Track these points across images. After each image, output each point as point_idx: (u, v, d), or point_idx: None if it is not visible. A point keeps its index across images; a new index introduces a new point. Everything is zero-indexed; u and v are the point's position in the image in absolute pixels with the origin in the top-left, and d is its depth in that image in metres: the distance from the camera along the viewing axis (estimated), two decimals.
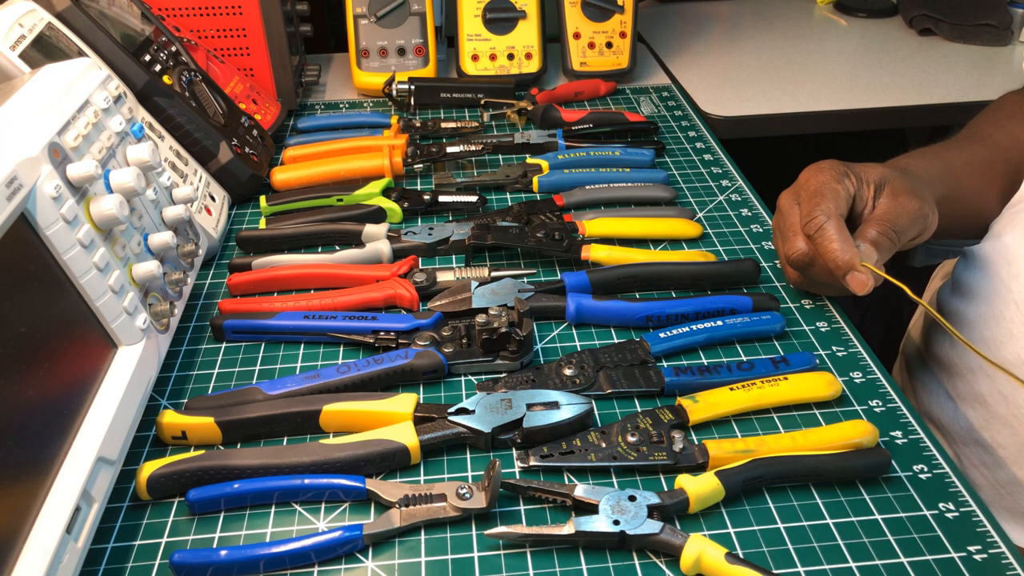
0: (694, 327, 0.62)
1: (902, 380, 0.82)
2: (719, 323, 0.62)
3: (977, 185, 0.73)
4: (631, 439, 0.53)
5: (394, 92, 0.99)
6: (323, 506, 0.51)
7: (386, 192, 0.79)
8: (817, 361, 0.60)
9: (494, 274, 0.68)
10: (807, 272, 0.64)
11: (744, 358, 0.61)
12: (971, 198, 0.72)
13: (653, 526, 0.47)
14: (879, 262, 0.59)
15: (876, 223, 0.60)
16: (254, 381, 0.60)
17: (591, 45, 1.07)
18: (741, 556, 0.46)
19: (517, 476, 0.52)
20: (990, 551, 0.47)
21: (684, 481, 0.49)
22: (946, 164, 0.71)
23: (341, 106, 1.04)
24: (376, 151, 0.85)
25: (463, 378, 0.60)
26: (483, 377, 0.60)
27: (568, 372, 0.58)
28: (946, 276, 0.87)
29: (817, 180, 0.62)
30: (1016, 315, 0.64)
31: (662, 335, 0.61)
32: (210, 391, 0.59)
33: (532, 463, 0.52)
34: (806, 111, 1.04)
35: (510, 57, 1.05)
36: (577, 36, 1.07)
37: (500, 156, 0.90)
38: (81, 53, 0.68)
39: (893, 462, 0.53)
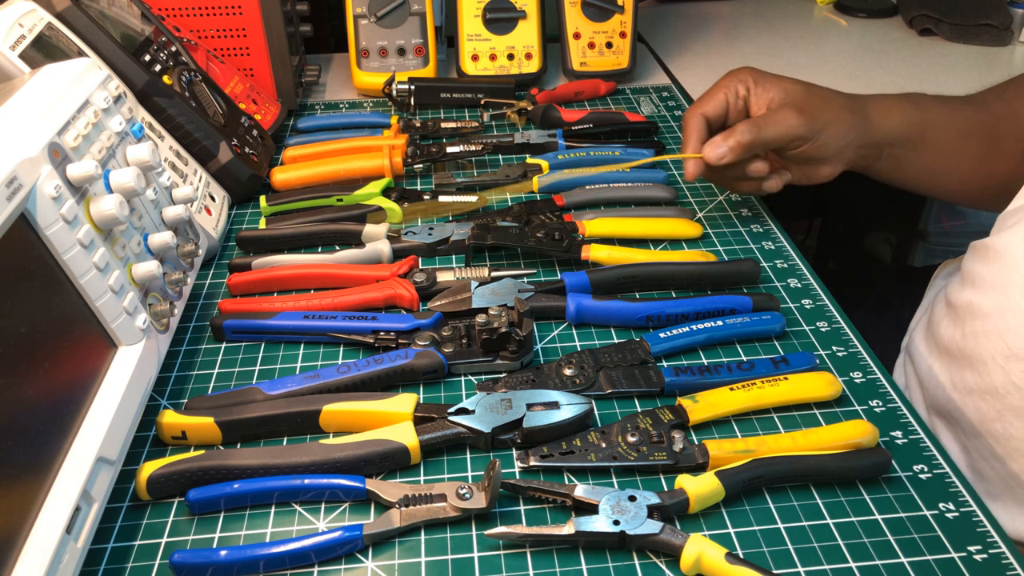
0: (694, 327, 0.62)
1: (906, 375, 0.82)
2: (719, 323, 0.62)
3: (952, 140, 0.75)
4: (631, 439, 0.53)
5: (394, 92, 0.99)
6: (323, 506, 0.51)
7: (386, 192, 0.79)
8: (817, 361, 0.60)
9: (494, 274, 0.68)
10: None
11: (744, 358, 0.61)
12: (943, 151, 0.75)
13: (653, 526, 0.47)
14: (729, 156, 0.69)
15: (739, 124, 0.69)
16: (254, 381, 0.60)
17: (591, 45, 1.07)
18: (741, 556, 0.46)
19: (517, 476, 0.52)
20: (990, 551, 0.47)
21: (684, 481, 0.49)
22: (925, 111, 0.75)
23: (341, 106, 1.04)
24: (376, 151, 0.85)
25: (463, 378, 0.60)
26: (483, 377, 0.60)
27: (568, 372, 0.58)
28: (949, 275, 0.87)
29: (713, 85, 0.74)
30: None
31: (662, 335, 0.61)
32: (210, 391, 0.59)
33: (532, 463, 0.52)
34: None
35: (510, 57, 1.05)
36: (577, 36, 1.07)
37: (500, 156, 0.90)
38: (81, 53, 0.68)
39: (893, 462, 0.53)
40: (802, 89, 0.72)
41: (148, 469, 0.50)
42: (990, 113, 0.76)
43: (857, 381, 0.60)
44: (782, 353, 0.62)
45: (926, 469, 0.53)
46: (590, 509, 0.48)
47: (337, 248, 0.74)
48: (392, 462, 0.52)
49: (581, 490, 0.49)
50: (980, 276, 0.70)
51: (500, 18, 1.05)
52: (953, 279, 0.76)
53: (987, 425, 0.68)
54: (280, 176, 0.82)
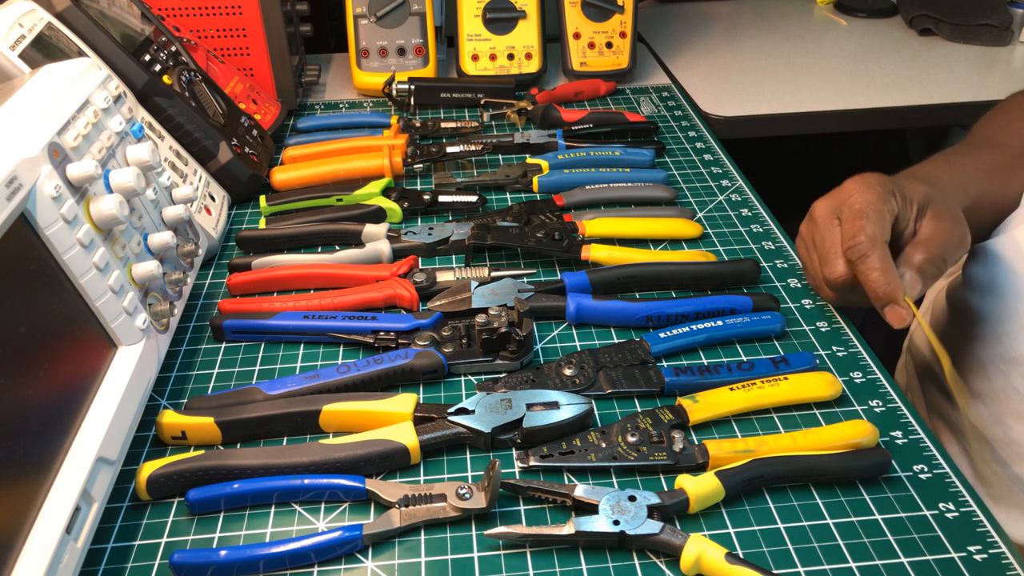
0: (694, 327, 0.62)
1: (908, 378, 0.82)
2: (719, 323, 0.62)
3: (997, 190, 0.71)
4: (631, 439, 0.53)
5: (394, 92, 0.99)
6: (323, 506, 0.51)
7: (386, 192, 0.79)
8: (817, 361, 0.60)
9: (494, 274, 0.68)
10: (846, 296, 0.62)
11: (744, 358, 0.61)
12: (991, 204, 0.71)
13: (653, 526, 0.47)
14: (923, 291, 0.57)
15: (923, 249, 0.58)
16: (254, 381, 0.60)
17: (591, 45, 1.07)
18: (741, 556, 0.46)
19: (517, 476, 0.52)
20: (990, 551, 0.47)
21: (684, 481, 0.49)
22: (967, 173, 0.70)
23: (341, 106, 1.04)
24: (376, 151, 0.85)
25: (463, 378, 0.60)
26: (483, 377, 0.60)
27: (568, 372, 0.58)
28: (948, 276, 0.87)
29: (863, 198, 0.59)
30: None
31: (662, 335, 0.61)
32: (210, 391, 0.59)
33: (532, 463, 0.52)
34: (806, 111, 1.04)
35: (510, 57, 1.05)
36: (577, 36, 1.07)
37: (500, 156, 0.90)
38: (81, 53, 0.68)
39: (893, 462, 0.53)
40: (935, 192, 0.62)
41: (148, 469, 0.50)
42: (1010, 150, 0.73)
43: (857, 381, 0.60)
44: (782, 353, 0.62)
45: (926, 469, 0.53)
46: (590, 509, 0.48)
47: (337, 248, 0.74)
48: (392, 462, 0.52)
49: (581, 490, 0.49)
50: (980, 280, 0.70)
51: (500, 18, 1.05)
52: (953, 282, 0.76)
53: (988, 429, 0.68)
54: (280, 176, 0.82)
